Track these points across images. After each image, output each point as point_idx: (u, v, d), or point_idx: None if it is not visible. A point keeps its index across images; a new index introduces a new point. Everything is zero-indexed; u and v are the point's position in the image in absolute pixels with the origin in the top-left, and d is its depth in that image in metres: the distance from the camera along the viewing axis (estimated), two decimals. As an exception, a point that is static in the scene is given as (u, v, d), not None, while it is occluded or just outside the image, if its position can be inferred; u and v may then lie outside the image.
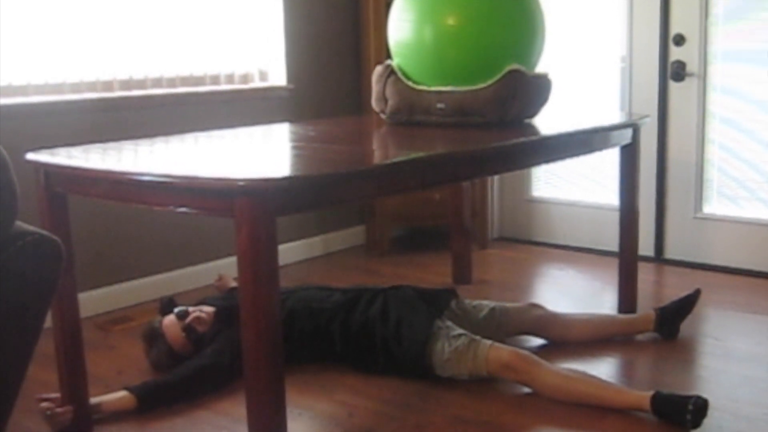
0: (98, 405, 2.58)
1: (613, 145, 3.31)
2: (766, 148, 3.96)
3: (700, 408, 2.41)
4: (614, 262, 3.51)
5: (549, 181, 4.71)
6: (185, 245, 3.93)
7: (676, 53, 4.10)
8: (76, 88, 3.56)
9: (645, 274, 3.82)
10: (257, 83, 4.26)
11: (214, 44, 4.03)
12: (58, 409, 2.46)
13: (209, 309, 3.01)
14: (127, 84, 3.73)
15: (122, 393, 2.64)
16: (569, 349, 3.05)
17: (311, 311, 2.97)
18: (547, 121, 3.17)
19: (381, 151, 3.01)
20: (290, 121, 3.90)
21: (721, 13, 3.98)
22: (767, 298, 3.69)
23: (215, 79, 4.07)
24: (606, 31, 4.39)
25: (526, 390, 2.71)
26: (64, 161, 2.38)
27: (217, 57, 4.06)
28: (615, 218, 3.50)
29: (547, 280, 4.24)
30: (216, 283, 3.58)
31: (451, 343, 2.77)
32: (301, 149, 2.76)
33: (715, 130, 4.08)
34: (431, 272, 4.14)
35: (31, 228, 1.75)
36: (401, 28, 3.11)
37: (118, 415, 2.60)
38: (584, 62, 4.45)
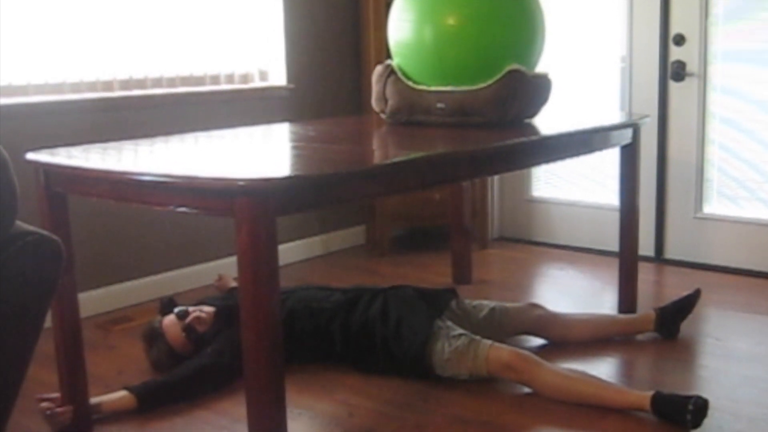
0: (98, 405, 2.58)
1: (613, 145, 3.31)
2: (766, 148, 3.96)
3: (700, 408, 2.41)
4: (614, 262, 3.51)
5: (549, 181, 4.71)
6: (185, 245, 3.93)
7: (676, 53, 4.10)
8: (76, 87, 3.56)
9: (645, 274, 3.82)
10: (257, 83, 4.26)
11: (214, 44, 4.03)
12: (58, 409, 2.46)
13: (209, 309, 3.01)
14: (127, 84, 3.73)
15: (122, 393, 2.63)
16: (569, 349, 3.05)
17: (311, 311, 2.96)
18: (547, 121, 3.17)
19: (381, 151, 3.01)
20: (290, 121, 3.91)
21: (721, 13, 3.97)
22: (767, 298, 3.69)
23: (215, 79, 4.07)
24: (606, 31, 4.39)
25: (527, 390, 2.71)
26: (64, 161, 2.38)
27: (217, 57, 4.06)
28: (615, 218, 3.50)
29: (547, 280, 4.24)
30: (216, 283, 3.58)
31: (451, 343, 2.77)
32: (301, 149, 2.76)
33: (715, 130, 4.08)
34: (431, 272, 4.14)
35: (31, 228, 1.75)
36: (401, 27, 3.11)
37: (118, 415, 2.60)
38: (584, 62, 4.45)
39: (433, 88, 3.05)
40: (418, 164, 2.41)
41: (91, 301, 3.47)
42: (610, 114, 4.11)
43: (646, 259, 4.13)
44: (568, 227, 4.62)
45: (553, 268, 4.33)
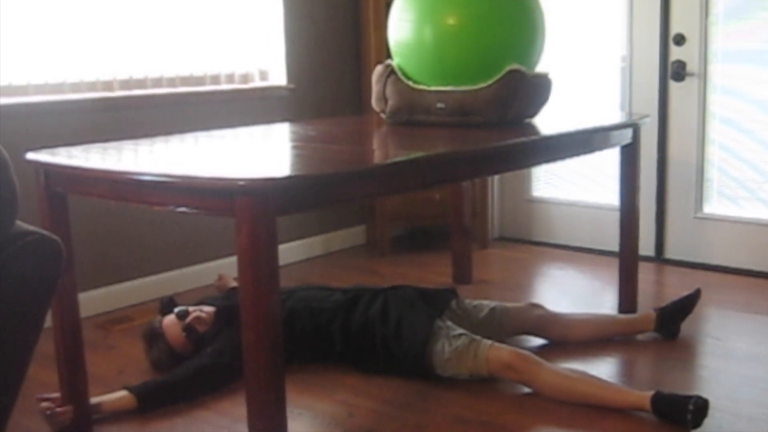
0: (98, 405, 2.58)
1: (613, 145, 3.31)
2: (766, 148, 3.96)
3: (700, 408, 2.41)
4: (614, 262, 3.51)
5: (549, 181, 4.71)
6: (185, 245, 3.93)
7: (676, 53, 4.09)
8: (76, 87, 3.55)
9: (645, 274, 3.82)
10: (257, 83, 4.26)
11: (215, 44, 4.03)
12: (58, 409, 2.46)
13: (209, 309, 3.01)
14: (127, 84, 3.73)
15: (122, 393, 2.63)
16: (570, 349, 3.05)
17: (311, 311, 2.96)
18: (548, 121, 3.17)
19: (381, 150, 3.01)
20: (290, 120, 3.90)
21: (722, 13, 3.97)
22: (767, 298, 3.69)
23: (215, 79, 4.06)
24: (606, 30, 4.39)
25: (527, 390, 2.70)
26: (65, 161, 2.38)
27: (218, 57, 4.06)
28: (615, 218, 3.50)
29: (548, 279, 4.24)
30: (216, 282, 3.58)
31: (451, 342, 2.77)
32: (302, 149, 2.76)
33: (715, 130, 4.07)
34: (431, 272, 4.14)
35: (32, 228, 1.75)
36: (401, 27, 3.11)
37: (118, 414, 2.60)
38: (584, 62, 4.45)
39: (433, 88, 3.05)
40: (419, 164, 2.41)
41: (91, 301, 3.47)
42: (610, 114, 4.11)
43: (647, 259, 4.13)
44: (568, 227, 4.62)
45: (554, 268, 4.33)
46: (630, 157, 3.39)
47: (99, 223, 3.55)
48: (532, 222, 4.78)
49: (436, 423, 2.56)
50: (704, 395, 2.45)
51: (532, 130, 3.02)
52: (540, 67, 3.17)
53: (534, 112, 3.11)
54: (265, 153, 2.74)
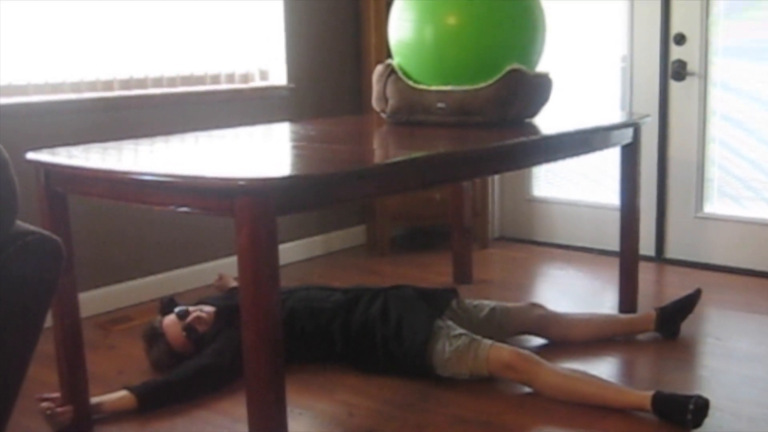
0: (98, 405, 2.57)
1: (613, 145, 3.30)
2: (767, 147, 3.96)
3: (700, 408, 2.41)
4: (615, 262, 3.50)
5: (550, 181, 4.71)
6: (185, 245, 3.93)
7: (676, 52, 4.09)
8: (76, 87, 3.55)
9: (646, 274, 3.82)
10: (258, 83, 4.26)
11: (215, 44, 4.03)
12: (59, 409, 2.46)
13: (209, 309, 3.01)
14: (127, 83, 3.73)
15: (122, 393, 2.63)
16: (570, 348, 3.05)
17: (312, 311, 2.96)
18: (548, 121, 3.17)
19: (381, 150, 3.01)
20: (291, 120, 3.90)
21: (722, 12, 3.97)
22: (767, 297, 3.70)
23: (216, 79, 4.06)
24: (606, 30, 4.39)
25: (527, 390, 2.70)
26: (65, 161, 2.38)
27: (218, 56, 4.05)
28: (616, 218, 3.49)
29: (548, 279, 4.24)
30: (216, 282, 3.58)
31: (451, 342, 2.77)
32: (302, 149, 2.76)
33: (715, 130, 4.07)
34: (432, 272, 4.14)
35: (32, 228, 1.75)
36: (402, 27, 3.10)
37: (119, 414, 2.60)
38: (585, 62, 4.45)
39: (433, 88, 3.05)
40: (419, 164, 2.41)
41: (91, 301, 3.47)
42: (610, 113, 4.10)
43: (647, 258, 4.12)
44: (568, 227, 4.62)
45: (554, 268, 4.33)
46: (630, 157, 3.38)
47: (99, 223, 3.55)
48: (532, 222, 4.78)
49: (436, 423, 2.55)
50: (704, 395, 2.45)
51: (533, 129, 3.02)
52: (540, 67, 3.17)
53: (534, 112, 3.11)
54: (265, 153, 2.74)
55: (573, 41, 4.41)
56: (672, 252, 4.26)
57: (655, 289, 3.85)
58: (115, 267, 3.68)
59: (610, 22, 4.35)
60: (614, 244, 3.54)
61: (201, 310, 2.98)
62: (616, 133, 3.27)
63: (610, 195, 4.29)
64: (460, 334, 2.79)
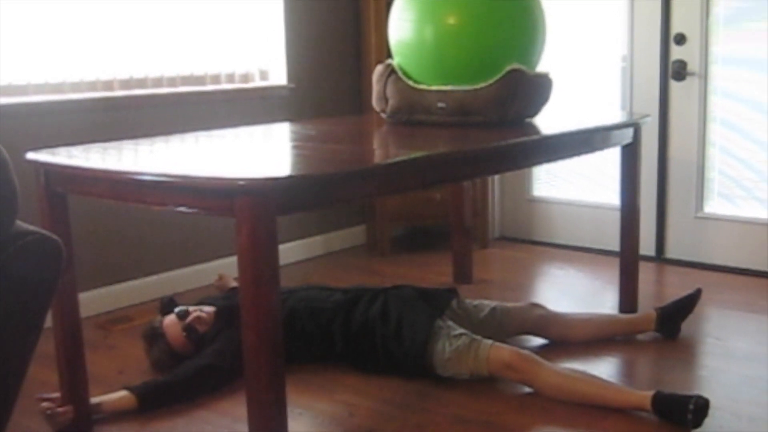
0: (99, 405, 2.57)
1: (614, 145, 3.30)
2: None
3: (701, 407, 2.41)
4: (615, 262, 3.50)
5: (550, 181, 4.71)
6: (185, 245, 3.93)
7: (677, 52, 4.09)
8: (76, 87, 3.55)
9: (646, 274, 3.82)
10: (258, 82, 4.26)
11: (215, 43, 4.03)
12: (59, 409, 2.46)
13: (210, 309, 3.01)
14: (127, 83, 3.73)
15: (123, 393, 2.63)
16: (570, 348, 3.05)
17: (312, 311, 2.96)
18: (548, 121, 3.16)
19: (382, 150, 3.01)
20: (291, 120, 3.90)
21: (722, 12, 3.97)
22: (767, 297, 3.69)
23: (216, 79, 4.06)
24: (607, 30, 4.38)
25: (527, 390, 2.70)
26: (65, 161, 2.37)
27: (218, 56, 4.05)
28: (616, 218, 3.49)
29: (548, 279, 4.24)
30: (216, 282, 3.58)
31: (451, 342, 2.77)
32: (302, 148, 2.75)
33: (716, 130, 4.07)
34: (432, 272, 4.14)
35: (32, 228, 1.75)
36: (402, 27, 3.10)
37: (119, 414, 2.60)
38: (585, 61, 4.45)
39: (433, 88, 3.05)
40: (419, 164, 2.41)
41: (91, 301, 3.47)
42: (610, 113, 4.10)
43: (647, 258, 4.12)
44: (568, 227, 4.62)
45: (554, 268, 4.33)
46: (630, 157, 3.38)
47: (99, 223, 3.55)
48: (532, 222, 4.77)
49: (437, 423, 2.55)
50: (705, 395, 2.45)
51: (533, 129, 3.02)
52: (540, 67, 3.16)
53: (534, 112, 3.11)
54: (265, 153, 2.74)
55: (573, 41, 4.41)
56: (672, 252, 4.26)
57: (655, 289, 3.85)
58: (115, 267, 3.68)
59: (610, 22, 4.35)
60: (614, 244, 3.54)
61: (201, 310, 2.98)
62: (616, 133, 3.27)
63: (610, 195, 4.29)
64: (461, 334, 2.79)
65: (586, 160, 4.14)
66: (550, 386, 2.64)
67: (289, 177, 2.11)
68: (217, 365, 2.78)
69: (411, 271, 4.19)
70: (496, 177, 4.77)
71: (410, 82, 3.11)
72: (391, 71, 3.16)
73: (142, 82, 3.77)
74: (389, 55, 3.27)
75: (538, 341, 3.13)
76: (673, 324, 3.14)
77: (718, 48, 3.99)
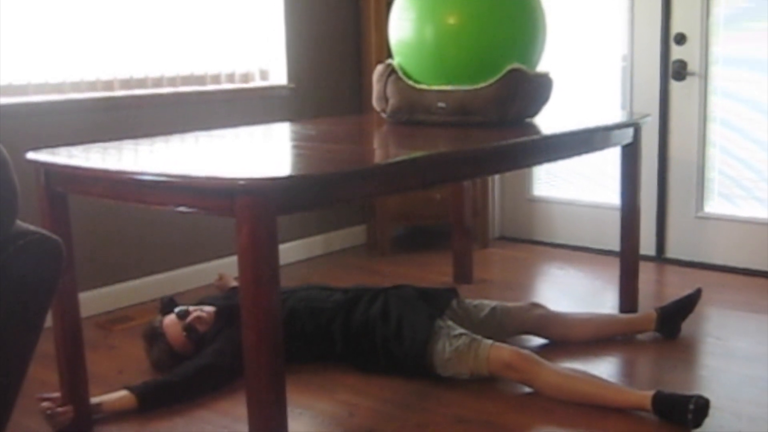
0: (99, 405, 2.57)
1: (614, 145, 3.30)
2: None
3: (701, 407, 2.41)
4: (615, 262, 3.50)
5: (550, 181, 4.71)
6: (185, 245, 3.93)
7: (677, 52, 4.09)
8: (76, 87, 3.55)
9: (646, 274, 3.82)
10: (258, 82, 4.26)
11: (215, 43, 4.03)
12: (59, 409, 2.46)
13: (210, 308, 3.01)
14: (127, 83, 3.73)
15: (123, 393, 2.63)
16: (570, 348, 3.05)
17: (312, 311, 2.96)
18: (548, 121, 3.16)
19: (382, 150, 3.00)
20: (291, 120, 3.90)
21: (722, 12, 3.97)
22: (768, 297, 3.69)
23: (216, 78, 4.06)
24: (607, 30, 4.38)
25: (527, 390, 2.70)
26: (65, 161, 2.37)
27: (218, 56, 4.05)
28: (616, 217, 3.49)
29: (548, 279, 4.24)
30: (216, 282, 3.58)
31: (452, 342, 2.76)
32: (302, 148, 2.75)
33: (716, 130, 4.07)
34: (432, 271, 4.14)
35: (32, 228, 1.75)
36: (402, 27, 3.10)
37: (119, 414, 2.60)
38: (585, 61, 4.45)
39: (434, 88, 3.05)
40: (419, 164, 2.41)
41: (91, 301, 3.47)
42: (611, 113, 4.10)
43: (647, 258, 4.12)
44: (569, 226, 4.62)
45: (554, 268, 4.33)
46: (631, 157, 3.38)
47: (99, 223, 3.55)
48: (532, 221, 4.77)
49: (437, 423, 2.55)
50: (705, 395, 2.45)
51: (533, 129, 3.02)
52: (541, 67, 3.16)
53: (535, 112, 3.11)
54: (265, 152, 2.74)
55: (573, 41, 4.41)
56: (672, 252, 4.26)
57: (656, 289, 3.85)
58: (115, 267, 3.68)
59: (611, 22, 4.35)
60: (614, 244, 3.54)
61: (201, 310, 2.98)
62: (616, 132, 3.27)
63: (610, 195, 4.29)
64: (461, 334, 2.79)
65: (586, 159, 4.14)
66: (551, 386, 2.64)
67: (289, 177, 2.11)
68: (217, 365, 2.79)
69: (411, 270, 4.18)
70: (496, 177, 4.77)
71: (410, 82, 3.11)
72: (391, 71, 3.16)
73: (142, 82, 3.77)
74: (389, 55, 3.27)
75: (538, 341, 3.13)
76: (673, 324, 3.14)
77: (718, 48, 3.99)
